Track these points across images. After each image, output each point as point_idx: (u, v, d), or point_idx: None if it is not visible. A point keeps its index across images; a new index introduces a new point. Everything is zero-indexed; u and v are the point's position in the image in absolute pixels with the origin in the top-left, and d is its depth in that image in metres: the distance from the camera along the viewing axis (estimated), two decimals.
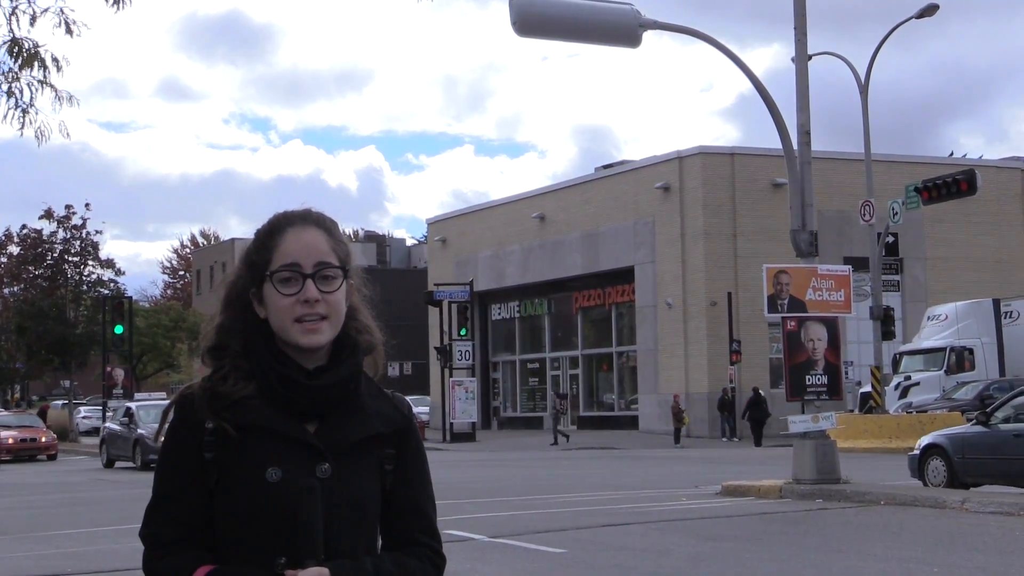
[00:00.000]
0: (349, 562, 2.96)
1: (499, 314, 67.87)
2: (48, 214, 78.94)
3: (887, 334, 38.49)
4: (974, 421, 23.27)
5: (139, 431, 38.20)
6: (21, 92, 13.40)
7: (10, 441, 47.21)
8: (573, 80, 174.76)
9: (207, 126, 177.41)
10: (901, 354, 42.90)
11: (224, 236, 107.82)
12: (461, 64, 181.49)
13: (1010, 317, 41.84)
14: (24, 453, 47.64)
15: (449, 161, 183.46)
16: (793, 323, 23.79)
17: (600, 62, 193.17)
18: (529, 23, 21.89)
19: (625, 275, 57.63)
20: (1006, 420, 22.13)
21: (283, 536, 2.93)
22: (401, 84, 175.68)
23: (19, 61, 13.17)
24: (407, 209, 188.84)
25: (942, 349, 40.79)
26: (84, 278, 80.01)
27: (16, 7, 13.16)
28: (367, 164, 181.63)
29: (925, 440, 23.77)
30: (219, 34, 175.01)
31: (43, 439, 48.85)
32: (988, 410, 23.38)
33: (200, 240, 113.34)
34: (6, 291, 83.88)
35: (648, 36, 22.79)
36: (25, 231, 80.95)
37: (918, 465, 23.26)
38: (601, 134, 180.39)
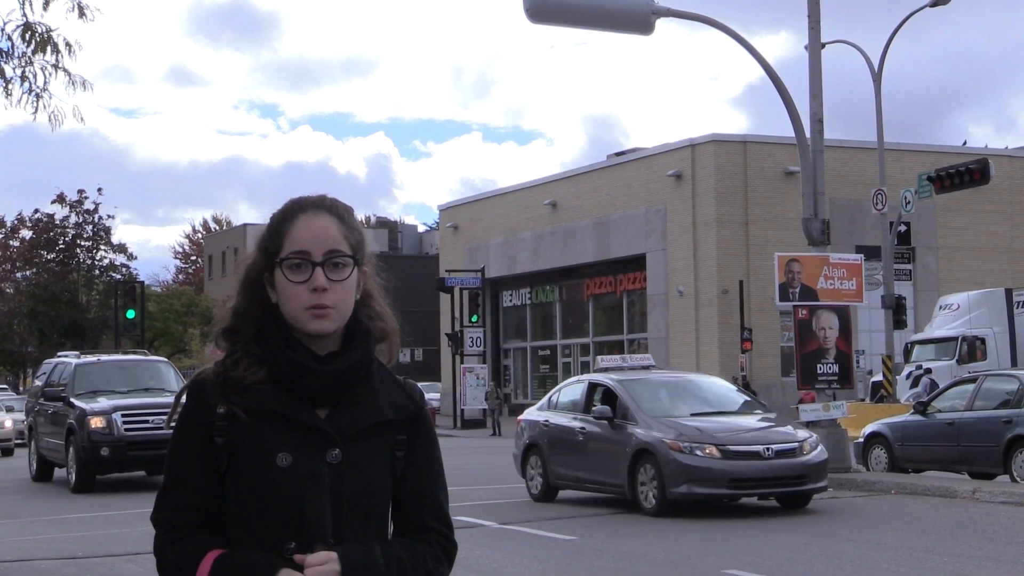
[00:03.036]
0: (358, 546, 2.96)
1: (510, 301, 67.88)
2: (60, 199, 79.18)
3: (899, 323, 38.42)
4: (913, 411, 24.10)
5: None
6: (35, 76, 13.43)
7: None
8: (581, 68, 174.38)
9: (216, 112, 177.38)
10: (913, 343, 42.76)
11: (235, 222, 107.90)
12: (468, 51, 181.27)
13: (1022, 306, 41.72)
14: None
15: (457, 148, 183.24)
16: (804, 312, 23.76)
17: (608, 50, 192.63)
18: (542, 9, 21.85)
19: (636, 262, 57.59)
20: (942, 410, 22.90)
21: (292, 521, 2.94)
22: (407, 71, 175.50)
23: (32, 45, 13.19)
24: (416, 196, 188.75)
25: (954, 338, 40.64)
26: (96, 263, 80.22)
27: None
28: (375, 151, 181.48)
29: (869, 428, 24.63)
30: (225, 20, 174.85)
31: None
32: (926, 400, 24.45)
33: (212, 225, 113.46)
34: (18, 275, 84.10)
35: (657, 24, 22.71)
36: (37, 215, 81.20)
37: (863, 452, 24.18)
38: (609, 122, 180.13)
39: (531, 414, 21.49)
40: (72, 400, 23.66)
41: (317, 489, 2.94)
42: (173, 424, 3.14)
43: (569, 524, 16.66)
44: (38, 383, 27.24)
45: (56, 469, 25.38)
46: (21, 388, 79.39)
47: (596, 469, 19.06)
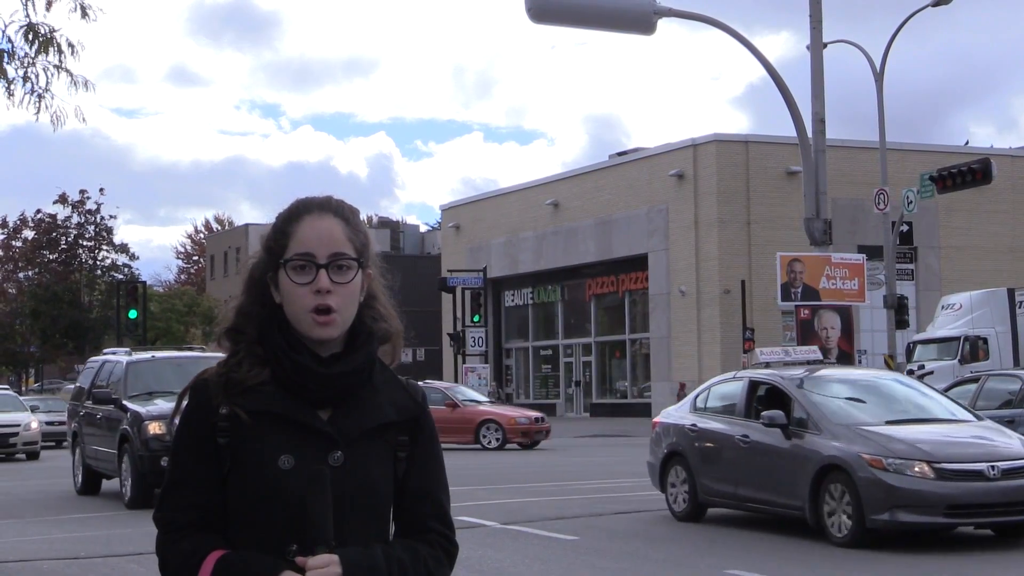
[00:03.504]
0: (359, 549, 2.97)
1: (512, 301, 67.89)
2: (63, 199, 79.24)
3: (901, 323, 38.42)
4: None
5: None
6: (37, 77, 13.43)
7: (524, 421, 36.36)
8: (582, 68, 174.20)
9: (217, 112, 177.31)
10: (915, 343, 42.77)
11: (237, 222, 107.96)
12: (469, 51, 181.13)
13: None
14: (536, 438, 36.34)
15: (458, 148, 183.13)
16: (806, 311, 23.77)
17: (609, 50, 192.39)
18: (544, 9, 21.86)
19: (638, 262, 57.60)
20: None
21: (294, 523, 2.94)
22: (409, 70, 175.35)
23: (35, 46, 13.20)
24: (417, 196, 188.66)
25: (956, 338, 40.62)
26: (98, 263, 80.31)
27: None
28: (377, 151, 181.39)
29: None
30: (226, 20, 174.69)
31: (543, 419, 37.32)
32: None
33: (214, 225, 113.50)
34: (21, 275, 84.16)
35: (658, 23, 22.71)
36: (40, 216, 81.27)
37: None
38: (611, 122, 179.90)
39: (671, 416, 18.23)
40: (125, 403, 20.84)
41: (320, 491, 2.94)
42: (175, 424, 3.14)
43: (571, 524, 16.65)
44: (79, 384, 24.75)
45: (104, 481, 22.60)
46: (23, 388, 79.44)
47: (764, 487, 15.78)
